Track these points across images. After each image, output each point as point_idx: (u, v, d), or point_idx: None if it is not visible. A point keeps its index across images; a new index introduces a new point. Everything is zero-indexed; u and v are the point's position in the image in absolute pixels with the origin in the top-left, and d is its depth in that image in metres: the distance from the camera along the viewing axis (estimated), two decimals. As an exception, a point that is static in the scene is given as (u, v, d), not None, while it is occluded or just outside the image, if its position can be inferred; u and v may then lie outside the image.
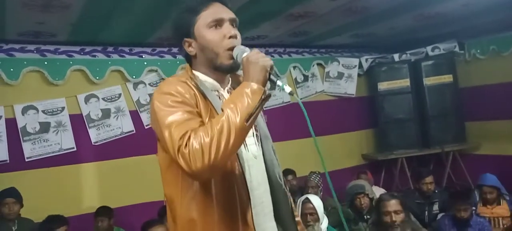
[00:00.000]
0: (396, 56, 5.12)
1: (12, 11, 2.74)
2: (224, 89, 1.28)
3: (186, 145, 1.00)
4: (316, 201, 2.92)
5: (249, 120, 1.03)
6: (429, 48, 5.05)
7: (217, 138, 0.99)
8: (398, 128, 4.97)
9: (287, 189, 1.33)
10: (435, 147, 4.89)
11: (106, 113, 3.84)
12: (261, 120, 1.33)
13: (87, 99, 3.76)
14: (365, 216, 3.32)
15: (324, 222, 2.92)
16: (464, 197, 3.27)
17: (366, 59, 5.24)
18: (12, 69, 3.42)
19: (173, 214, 1.21)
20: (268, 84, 1.11)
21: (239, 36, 1.21)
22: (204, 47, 1.21)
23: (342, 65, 5.23)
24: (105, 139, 3.82)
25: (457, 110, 4.96)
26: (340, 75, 5.21)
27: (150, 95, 4.07)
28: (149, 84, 4.07)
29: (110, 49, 3.85)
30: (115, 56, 3.87)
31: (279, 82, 1.11)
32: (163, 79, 4.10)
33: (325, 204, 3.26)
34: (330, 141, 4.96)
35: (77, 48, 3.69)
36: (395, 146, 4.95)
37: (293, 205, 1.36)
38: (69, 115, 3.66)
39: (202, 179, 1.11)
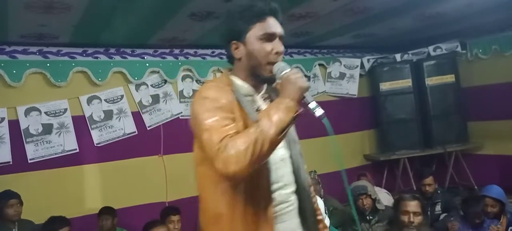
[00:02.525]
0: (398, 57, 5.12)
1: (15, 13, 2.76)
2: (258, 94, 1.37)
3: (223, 150, 1.10)
4: (317, 201, 2.92)
5: (282, 133, 1.13)
6: (431, 48, 5.04)
7: (252, 147, 1.09)
8: (400, 128, 4.96)
9: (311, 190, 1.44)
10: (437, 147, 4.88)
11: (108, 115, 3.85)
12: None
13: (89, 101, 3.78)
14: (367, 217, 3.32)
15: (326, 223, 2.90)
16: (477, 205, 3.17)
17: (368, 60, 5.24)
18: (14, 71, 3.43)
19: (202, 206, 1.33)
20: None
21: (282, 52, 1.31)
22: (251, 54, 1.29)
23: (344, 65, 5.22)
24: (107, 140, 3.83)
25: (459, 110, 4.95)
26: (342, 76, 5.21)
27: (152, 96, 4.08)
28: (151, 85, 4.08)
29: (112, 50, 3.86)
30: (117, 58, 3.88)
31: (311, 105, 1.19)
32: (165, 80, 4.12)
33: (327, 204, 3.26)
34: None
35: (79, 50, 3.71)
36: (397, 146, 4.94)
37: (316, 205, 1.50)
38: (72, 116, 3.68)
39: (234, 181, 1.20)
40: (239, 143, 1.10)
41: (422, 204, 2.77)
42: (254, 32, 1.28)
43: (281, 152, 1.33)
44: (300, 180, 1.37)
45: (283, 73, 1.23)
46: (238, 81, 1.33)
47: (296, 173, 1.37)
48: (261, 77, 1.31)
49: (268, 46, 1.28)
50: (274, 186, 1.29)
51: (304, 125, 1.49)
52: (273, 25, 1.30)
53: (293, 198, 1.36)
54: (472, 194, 3.35)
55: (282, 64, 1.26)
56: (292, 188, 1.36)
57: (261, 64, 1.28)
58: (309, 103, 1.19)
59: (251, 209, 1.24)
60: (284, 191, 1.33)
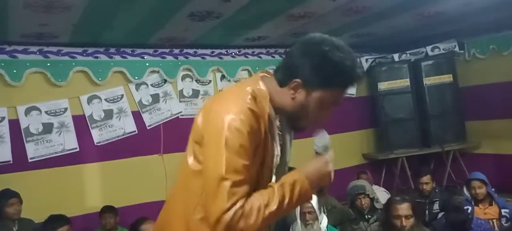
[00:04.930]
0: (396, 56, 5.14)
1: (15, 12, 2.77)
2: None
3: (231, 217, 1.01)
4: (312, 198, 2.93)
5: (286, 211, 1.11)
6: (429, 48, 5.06)
7: (260, 223, 1.04)
8: (398, 128, 4.98)
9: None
10: (435, 146, 4.91)
11: (108, 114, 3.86)
12: (287, 139, 1.32)
13: (89, 100, 3.79)
14: (366, 216, 3.35)
15: (324, 221, 2.92)
16: (458, 207, 3.05)
17: (366, 59, 5.25)
18: (15, 71, 3.44)
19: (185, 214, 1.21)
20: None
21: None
22: (304, 108, 1.16)
23: (343, 65, 5.23)
24: (107, 140, 3.85)
25: (457, 110, 4.98)
26: (340, 75, 5.22)
27: (152, 96, 4.09)
28: (151, 85, 4.10)
29: (112, 50, 3.87)
30: (117, 57, 3.90)
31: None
32: (164, 79, 4.13)
33: (326, 203, 3.27)
34: (331, 141, 4.98)
35: (80, 50, 3.72)
36: (395, 145, 4.97)
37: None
38: (72, 116, 3.69)
39: None
40: (251, 220, 1.03)
41: (413, 204, 2.70)
42: (321, 96, 1.13)
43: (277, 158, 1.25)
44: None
45: (319, 150, 1.22)
46: (270, 107, 1.16)
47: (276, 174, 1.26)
48: (295, 125, 1.24)
49: (321, 112, 1.18)
50: None
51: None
52: (341, 96, 1.21)
53: None
54: (452, 201, 3.23)
55: (322, 139, 1.23)
56: None
57: (306, 121, 1.20)
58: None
59: None
60: None
